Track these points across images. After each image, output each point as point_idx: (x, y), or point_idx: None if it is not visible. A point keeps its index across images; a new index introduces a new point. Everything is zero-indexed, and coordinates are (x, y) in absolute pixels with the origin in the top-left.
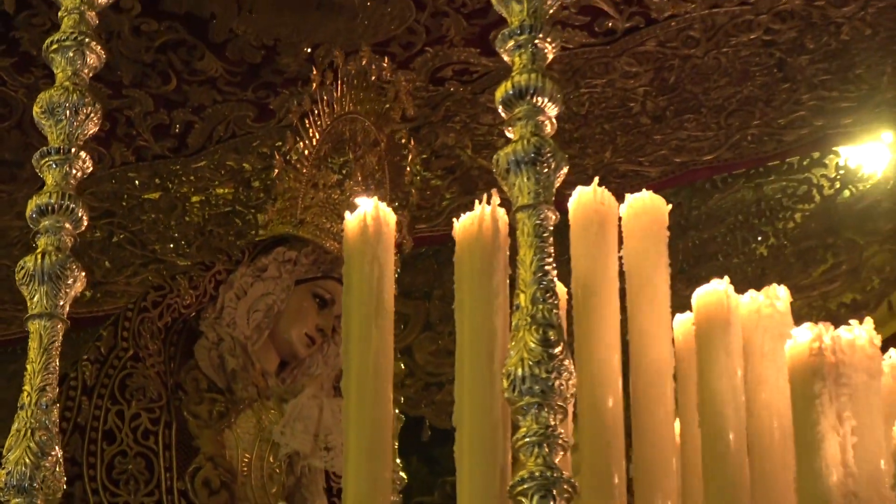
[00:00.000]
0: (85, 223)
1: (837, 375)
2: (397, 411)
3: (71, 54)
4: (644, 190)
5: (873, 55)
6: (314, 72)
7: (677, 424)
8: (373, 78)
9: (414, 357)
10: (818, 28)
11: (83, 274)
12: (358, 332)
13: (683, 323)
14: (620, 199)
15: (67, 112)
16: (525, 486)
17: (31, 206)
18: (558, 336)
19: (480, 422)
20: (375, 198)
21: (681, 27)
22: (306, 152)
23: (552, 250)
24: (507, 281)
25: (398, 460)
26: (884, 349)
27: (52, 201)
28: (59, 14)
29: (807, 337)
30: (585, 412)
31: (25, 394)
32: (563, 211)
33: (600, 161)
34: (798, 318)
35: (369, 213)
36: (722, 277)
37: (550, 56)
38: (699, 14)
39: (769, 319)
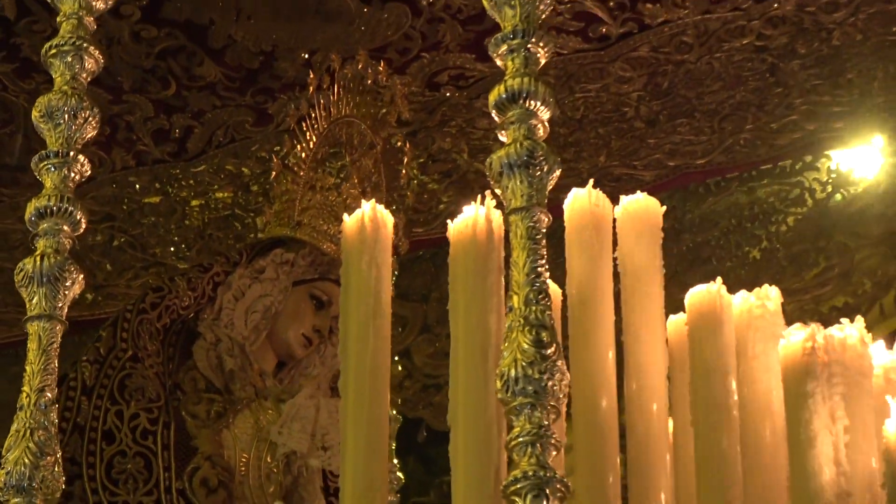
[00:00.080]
0: (83, 226)
1: (830, 375)
2: (395, 412)
3: (69, 59)
4: (638, 192)
5: (864, 60)
6: (311, 76)
7: (671, 424)
8: (369, 82)
9: (412, 359)
10: (810, 33)
11: (81, 276)
12: (355, 333)
13: (676, 323)
14: (615, 202)
15: (66, 116)
16: (518, 486)
17: (30, 208)
18: (551, 337)
19: (475, 422)
20: (373, 200)
21: (674, 33)
22: (303, 155)
23: (545, 252)
24: (502, 282)
25: (395, 460)
26: None
27: (51, 204)
28: (58, 19)
29: (799, 336)
30: (580, 412)
31: (24, 394)
32: (558, 214)
33: (595, 165)
34: (790, 322)
35: (367, 214)
36: (716, 280)
37: (543, 60)
38: (692, 20)
39: (761, 320)
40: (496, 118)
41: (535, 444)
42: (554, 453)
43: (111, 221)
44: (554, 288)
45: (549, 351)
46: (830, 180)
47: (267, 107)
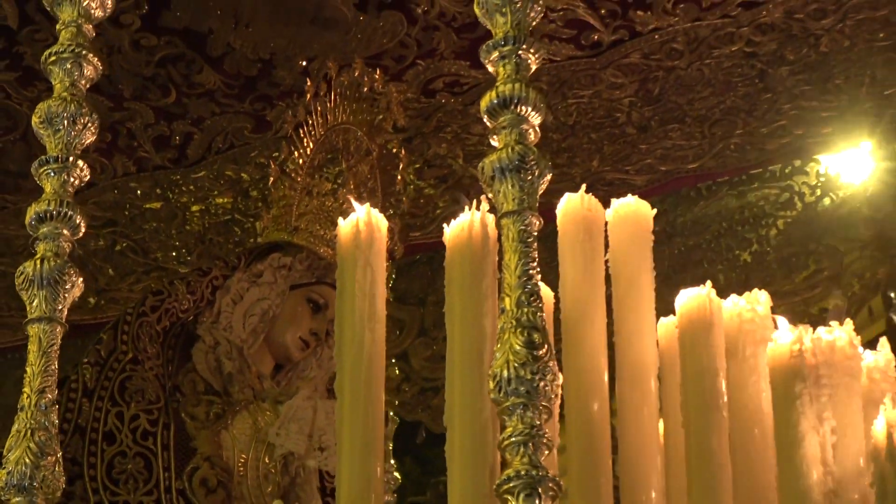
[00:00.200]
0: (83, 230)
1: (818, 376)
2: (391, 413)
3: (69, 66)
4: (630, 196)
5: (852, 66)
6: (308, 83)
7: (661, 425)
8: (365, 89)
9: (410, 362)
10: (798, 40)
11: (81, 279)
12: (351, 335)
13: (667, 326)
14: (608, 206)
15: (65, 122)
16: (511, 485)
17: (30, 213)
18: (543, 338)
19: (470, 422)
20: (368, 205)
21: (664, 40)
22: (301, 161)
23: (536, 255)
24: (497, 285)
25: (392, 461)
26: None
27: (51, 208)
28: (57, 27)
29: (788, 339)
30: (572, 413)
31: (25, 395)
32: (552, 218)
33: (588, 170)
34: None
35: (362, 219)
36: (706, 284)
37: (534, 66)
38: (682, 27)
39: (750, 323)
40: (488, 123)
41: (528, 443)
42: (546, 453)
43: (113, 226)
44: (546, 291)
45: (540, 352)
46: (819, 184)
47: (265, 113)
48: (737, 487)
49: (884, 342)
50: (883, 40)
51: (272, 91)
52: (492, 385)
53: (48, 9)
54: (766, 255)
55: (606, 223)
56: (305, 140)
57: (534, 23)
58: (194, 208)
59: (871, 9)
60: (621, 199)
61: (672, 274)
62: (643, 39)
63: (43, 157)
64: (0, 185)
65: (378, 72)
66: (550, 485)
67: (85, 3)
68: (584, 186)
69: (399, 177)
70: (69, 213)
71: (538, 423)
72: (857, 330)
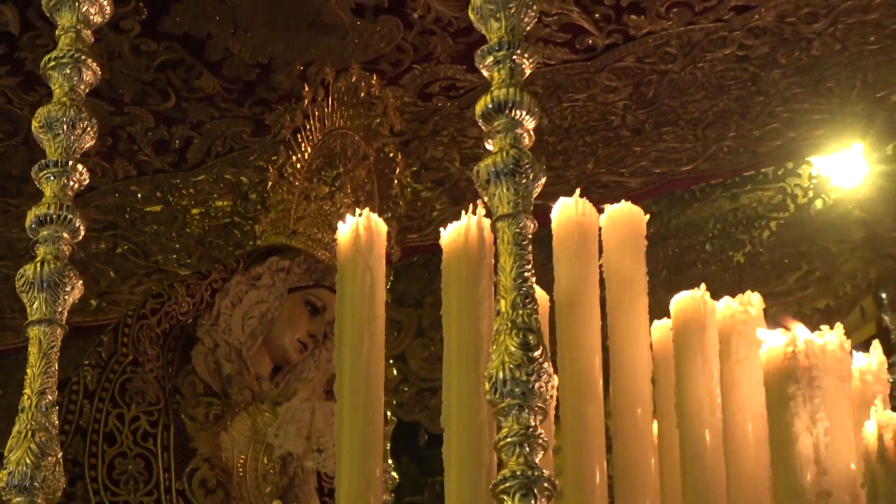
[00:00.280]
0: (82, 233)
1: (810, 378)
2: (389, 414)
3: (68, 71)
4: (623, 201)
5: (843, 69)
6: (306, 88)
7: (655, 426)
8: (362, 94)
9: (408, 363)
10: (790, 44)
11: (81, 282)
12: (350, 338)
13: (661, 328)
14: (603, 208)
15: (65, 126)
16: (507, 485)
17: (31, 216)
18: (538, 340)
19: (467, 423)
20: (366, 209)
21: (658, 44)
22: (299, 166)
23: (531, 257)
24: (493, 288)
25: (390, 461)
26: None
27: (51, 212)
28: (57, 33)
29: (781, 341)
30: (567, 414)
31: (26, 397)
32: (547, 221)
33: (583, 172)
34: (774, 323)
35: (361, 223)
36: (701, 284)
37: (528, 71)
38: (675, 31)
39: (743, 325)
40: (483, 128)
41: (523, 444)
42: (541, 453)
43: (114, 230)
44: (541, 294)
45: (535, 353)
46: (812, 186)
47: (264, 118)
48: (731, 487)
49: (876, 345)
50: (873, 44)
51: (270, 95)
52: (487, 386)
53: (48, 15)
54: (760, 257)
55: (600, 228)
56: (303, 144)
57: (528, 28)
58: (194, 211)
59: (862, 12)
60: (615, 205)
61: (666, 275)
62: (637, 43)
63: (43, 161)
64: (2, 189)
65: (375, 77)
66: (546, 485)
67: (84, 9)
68: (578, 191)
69: (396, 181)
70: (69, 216)
71: (533, 423)
72: (849, 331)
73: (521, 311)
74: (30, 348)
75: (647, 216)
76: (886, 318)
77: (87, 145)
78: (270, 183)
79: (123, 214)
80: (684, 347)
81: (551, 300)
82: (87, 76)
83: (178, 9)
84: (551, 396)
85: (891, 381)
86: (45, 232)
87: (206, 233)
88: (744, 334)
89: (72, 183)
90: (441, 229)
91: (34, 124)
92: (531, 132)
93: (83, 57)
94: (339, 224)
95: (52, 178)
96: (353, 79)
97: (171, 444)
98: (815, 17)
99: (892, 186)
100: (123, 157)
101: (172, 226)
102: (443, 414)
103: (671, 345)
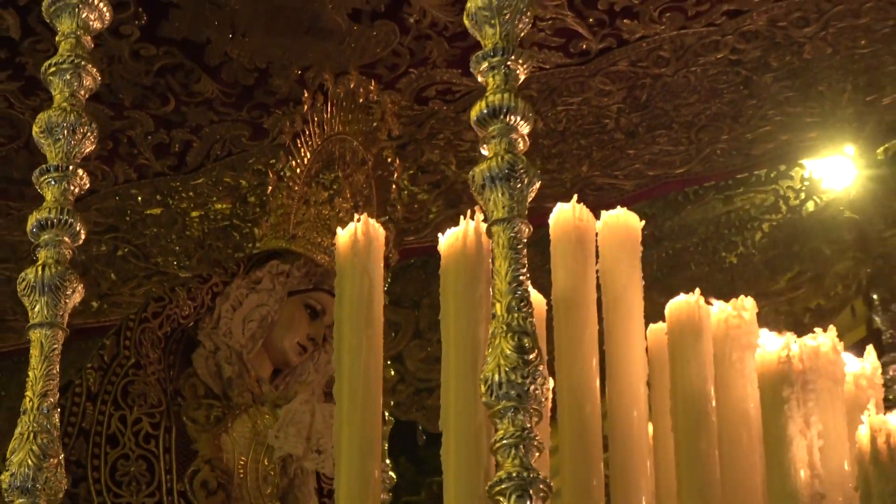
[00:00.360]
0: (83, 237)
1: (804, 382)
2: (387, 414)
3: (68, 77)
4: (619, 207)
5: (834, 73)
6: (306, 94)
7: (651, 428)
8: (360, 100)
9: (405, 364)
10: (782, 48)
11: (81, 285)
12: (349, 342)
13: (656, 332)
14: (598, 210)
15: (65, 132)
16: (503, 486)
17: (32, 220)
18: (533, 343)
19: (465, 426)
20: (365, 215)
21: (651, 48)
22: (298, 171)
23: (526, 261)
24: (490, 292)
25: (388, 461)
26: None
27: (52, 216)
28: (57, 39)
29: (775, 345)
30: (565, 416)
31: (28, 399)
32: (543, 222)
33: (578, 175)
34: (765, 323)
35: (360, 228)
36: (694, 285)
37: (522, 76)
38: (668, 35)
39: (737, 329)
40: (478, 133)
41: (519, 446)
42: (537, 454)
43: (115, 232)
44: (539, 298)
45: (530, 356)
46: (804, 188)
47: (262, 121)
48: (725, 489)
49: (870, 350)
50: (864, 48)
51: (269, 99)
52: (483, 389)
53: (48, 21)
54: (752, 258)
55: (597, 233)
56: (303, 150)
57: (522, 34)
58: (194, 214)
59: (853, 17)
60: (611, 211)
61: (660, 276)
62: (630, 47)
63: (43, 165)
64: (4, 193)
65: (373, 82)
66: (541, 486)
67: (84, 15)
68: (575, 197)
69: (394, 185)
70: (69, 220)
71: (529, 425)
72: (841, 331)
73: (516, 315)
74: (31, 351)
75: (643, 222)
76: (877, 318)
77: (88, 150)
78: (270, 188)
79: (124, 217)
80: (679, 351)
81: (548, 303)
82: (88, 82)
83: (177, 14)
84: (546, 399)
85: (884, 381)
86: (47, 236)
87: (206, 235)
88: (738, 338)
89: (72, 188)
90: (440, 235)
91: (35, 129)
92: (525, 137)
93: (83, 63)
94: (339, 229)
95: (52, 182)
96: (352, 85)
97: (173, 445)
98: (807, 22)
99: (882, 188)
100: (124, 160)
101: (172, 228)
102: (441, 417)
103: (666, 348)
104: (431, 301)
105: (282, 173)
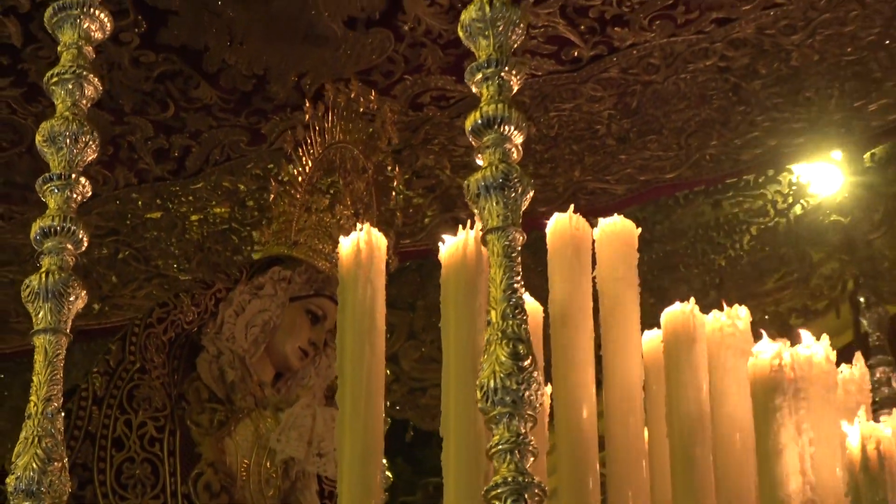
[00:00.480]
0: (85, 244)
1: (796, 390)
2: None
3: (70, 86)
4: (615, 214)
5: (821, 79)
6: (307, 104)
7: (647, 433)
8: (360, 109)
9: (400, 364)
10: (770, 55)
11: (84, 291)
12: (352, 348)
13: (652, 340)
14: (590, 214)
15: (67, 140)
16: (499, 491)
17: (35, 228)
18: (527, 350)
19: (465, 432)
20: (367, 224)
21: (641, 55)
22: (300, 179)
23: (520, 269)
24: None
25: (384, 461)
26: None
27: (55, 224)
28: (59, 49)
29: (768, 354)
30: (562, 422)
31: (32, 403)
32: (537, 227)
33: (570, 180)
34: (753, 323)
35: (362, 238)
36: (684, 287)
37: (516, 87)
38: (658, 42)
39: (731, 337)
40: (473, 142)
41: (514, 451)
42: (532, 459)
43: (116, 236)
44: (535, 305)
45: (525, 363)
46: (791, 192)
47: (260, 127)
48: (719, 494)
49: (858, 356)
50: (850, 55)
51: (266, 105)
52: (479, 395)
53: (50, 31)
54: (740, 260)
55: (594, 240)
56: (304, 158)
57: (515, 45)
58: (193, 218)
59: (839, 25)
60: (607, 219)
61: (651, 278)
62: (621, 55)
63: (46, 174)
64: (7, 197)
65: (373, 92)
66: (536, 490)
67: (85, 26)
68: (571, 207)
69: (393, 193)
70: (72, 228)
71: (524, 431)
72: (830, 334)
73: (510, 322)
74: (36, 357)
75: (639, 231)
76: (864, 321)
77: (90, 158)
78: (272, 195)
79: (124, 221)
80: (674, 359)
81: (544, 309)
82: (89, 91)
83: (176, 22)
84: (541, 404)
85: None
86: (50, 243)
87: (205, 238)
88: (731, 346)
89: (75, 195)
90: (440, 242)
91: (38, 138)
92: (519, 147)
93: (85, 73)
94: (341, 238)
95: (55, 190)
96: (353, 94)
97: (177, 449)
98: (794, 29)
99: (868, 192)
100: (124, 165)
101: (172, 232)
102: (441, 423)
103: (661, 355)
104: (426, 303)
105: (282, 178)
